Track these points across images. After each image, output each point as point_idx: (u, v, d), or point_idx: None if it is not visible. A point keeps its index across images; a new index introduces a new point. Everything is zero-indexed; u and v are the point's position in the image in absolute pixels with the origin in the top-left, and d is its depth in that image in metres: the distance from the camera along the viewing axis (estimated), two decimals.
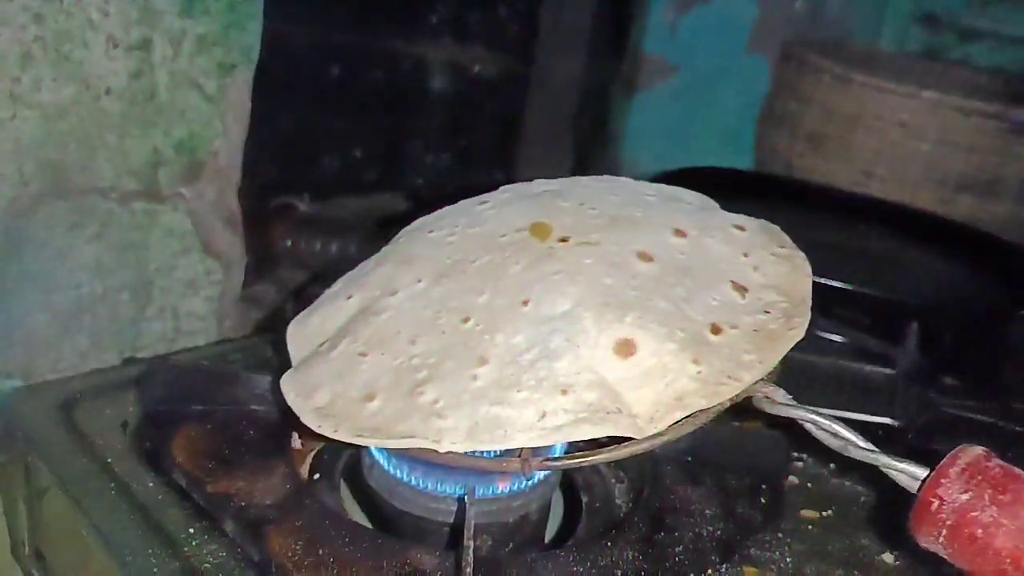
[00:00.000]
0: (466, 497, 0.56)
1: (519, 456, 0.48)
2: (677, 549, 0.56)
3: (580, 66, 1.21)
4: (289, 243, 0.98)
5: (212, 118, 0.82)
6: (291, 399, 0.53)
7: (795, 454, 0.68)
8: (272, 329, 0.91)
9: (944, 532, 0.43)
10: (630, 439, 0.47)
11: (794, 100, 1.34)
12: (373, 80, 1.01)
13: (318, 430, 0.50)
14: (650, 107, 1.40)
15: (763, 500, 0.62)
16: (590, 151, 1.28)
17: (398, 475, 0.58)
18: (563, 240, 0.54)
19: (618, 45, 1.32)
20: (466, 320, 0.51)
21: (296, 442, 0.64)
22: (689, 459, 0.63)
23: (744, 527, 0.59)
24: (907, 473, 0.46)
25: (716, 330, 0.49)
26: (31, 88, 0.71)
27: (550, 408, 0.46)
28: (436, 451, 0.47)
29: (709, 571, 0.55)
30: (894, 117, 1.25)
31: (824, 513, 0.62)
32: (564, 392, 0.47)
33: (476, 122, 1.13)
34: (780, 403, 0.48)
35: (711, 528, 0.58)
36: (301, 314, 0.60)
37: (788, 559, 0.57)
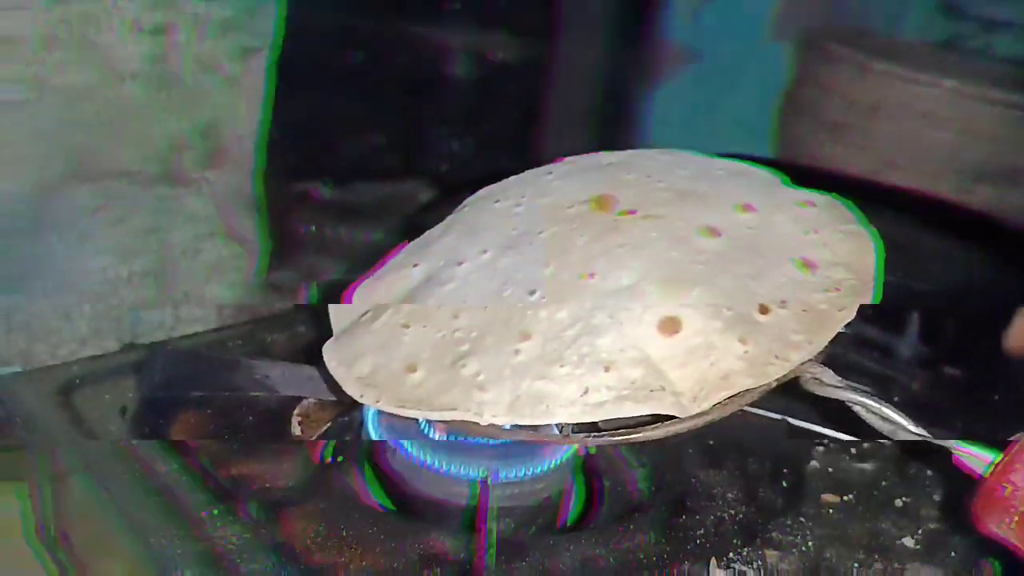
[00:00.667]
0: (488, 480, 0.56)
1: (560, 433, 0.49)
2: (698, 532, 0.56)
3: (601, 53, 1.21)
4: (310, 229, 0.98)
5: (233, 102, 0.82)
6: (333, 367, 0.53)
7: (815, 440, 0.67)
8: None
9: (1016, 519, 0.42)
10: (673, 418, 0.47)
11: (815, 89, 1.33)
12: (394, 65, 1.01)
13: (360, 399, 0.50)
14: (671, 94, 1.40)
15: (784, 484, 0.62)
16: (611, 137, 1.28)
17: (419, 458, 0.58)
18: (629, 213, 0.53)
19: (639, 32, 1.31)
20: (532, 292, 0.50)
21: (296, 428, 0.64)
22: (711, 442, 0.63)
23: (766, 511, 0.59)
24: (975, 455, 0.45)
25: (764, 310, 0.48)
26: (55, 71, 0.71)
27: (592, 384, 0.46)
28: (477, 424, 0.47)
29: (730, 555, 0.55)
30: (915, 106, 1.24)
31: (845, 497, 0.62)
32: (607, 368, 0.46)
33: (497, 109, 1.13)
34: (829, 384, 0.48)
35: (732, 512, 0.58)
36: (367, 280, 0.59)
37: (809, 543, 0.57)
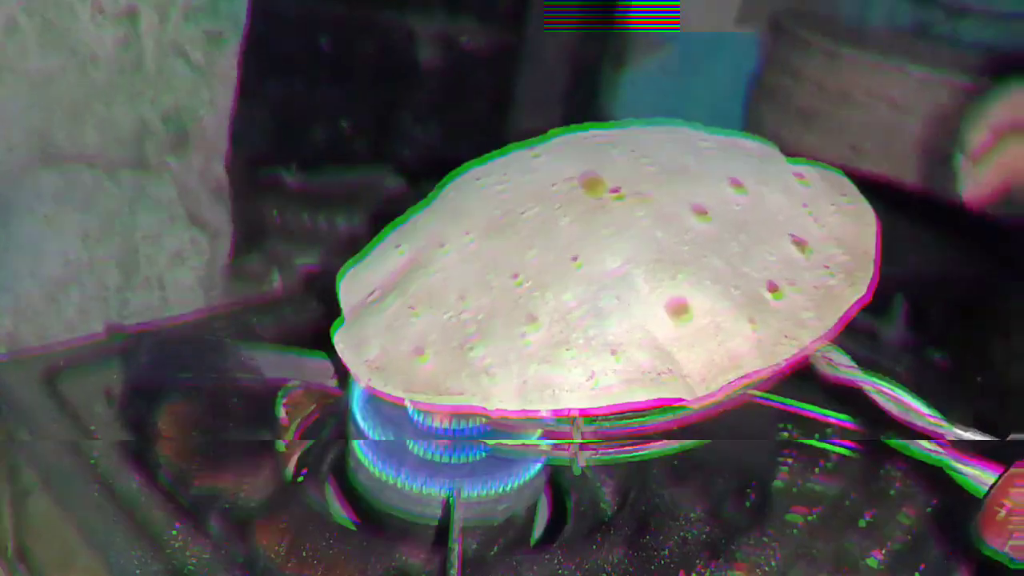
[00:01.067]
0: (452, 497, 0.55)
1: (571, 422, 0.47)
2: (663, 551, 0.54)
3: (571, 40, 1.21)
4: (277, 215, 0.98)
5: (199, 88, 0.81)
6: (341, 350, 0.52)
7: (782, 455, 0.67)
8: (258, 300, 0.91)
9: (1011, 541, 0.42)
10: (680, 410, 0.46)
11: (784, 75, 1.33)
12: (363, 52, 1.00)
13: (368, 384, 0.49)
14: (640, 81, 1.39)
15: (750, 502, 0.61)
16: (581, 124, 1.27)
17: (384, 474, 0.57)
18: (615, 192, 0.51)
19: (608, 18, 1.31)
20: (515, 277, 0.49)
21: (282, 413, 0.63)
22: (675, 460, 0.62)
23: (731, 529, 0.58)
24: (973, 476, 0.44)
25: (773, 288, 0.47)
26: (17, 55, 0.70)
27: (599, 368, 0.45)
28: (487, 413, 0.46)
29: (696, 572, 0.54)
30: (883, 93, 1.25)
31: (811, 515, 0.61)
32: (614, 352, 0.45)
33: (466, 95, 1.12)
34: (841, 367, 0.47)
35: (698, 530, 0.57)
36: (352, 265, 0.58)
37: (775, 561, 0.56)
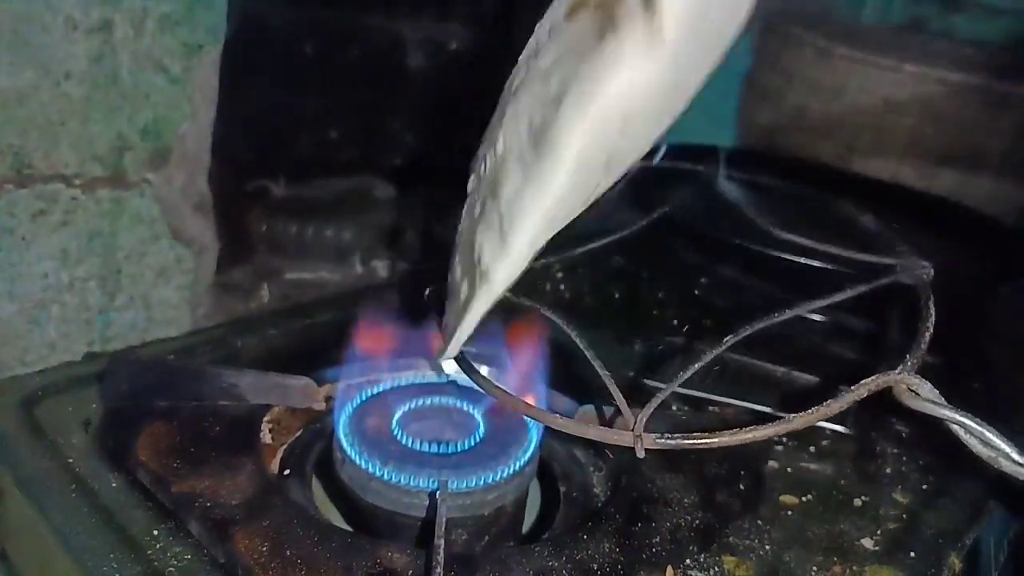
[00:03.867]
0: (438, 492, 0.54)
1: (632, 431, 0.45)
2: (655, 540, 0.55)
3: None
4: (264, 227, 0.96)
5: (178, 101, 0.80)
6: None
7: (775, 438, 0.67)
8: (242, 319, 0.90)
9: None
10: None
11: (776, 74, 1.32)
12: (348, 57, 0.99)
13: None
14: None
15: (742, 487, 0.61)
16: None
17: (369, 469, 0.57)
18: None
19: None
20: None
21: (266, 436, 0.63)
22: None
23: (723, 515, 0.58)
24: None
25: None
26: None
27: None
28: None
29: (687, 561, 0.54)
30: (877, 91, 1.23)
31: (804, 498, 0.62)
32: None
33: (455, 100, 1.11)
34: (926, 399, 0.42)
35: (690, 517, 0.57)
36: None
37: (768, 547, 0.57)
